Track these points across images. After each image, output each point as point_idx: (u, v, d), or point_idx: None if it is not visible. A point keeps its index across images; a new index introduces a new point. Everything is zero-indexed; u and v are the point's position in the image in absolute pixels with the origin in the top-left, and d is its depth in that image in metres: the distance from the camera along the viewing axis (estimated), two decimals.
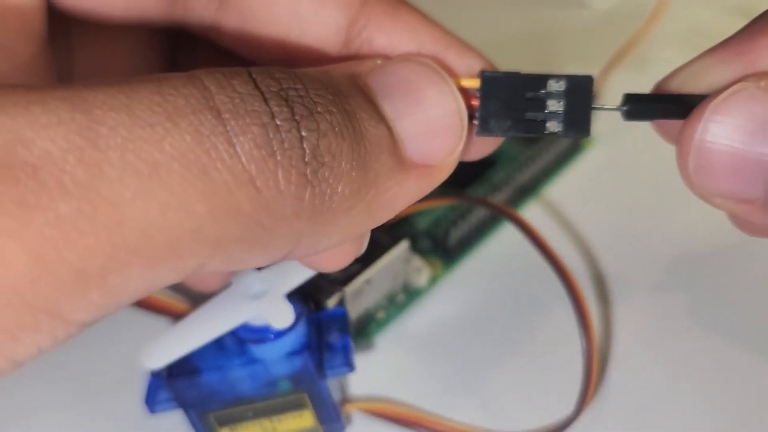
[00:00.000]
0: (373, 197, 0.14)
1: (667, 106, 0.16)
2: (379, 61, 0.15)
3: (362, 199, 0.13)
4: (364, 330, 0.24)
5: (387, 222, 0.25)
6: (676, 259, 0.26)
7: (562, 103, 0.15)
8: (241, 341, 0.18)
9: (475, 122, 0.15)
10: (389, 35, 0.15)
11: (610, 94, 0.32)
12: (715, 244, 0.27)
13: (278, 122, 0.12)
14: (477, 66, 0.16)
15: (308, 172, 0.12)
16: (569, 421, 0.21)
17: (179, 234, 0.11)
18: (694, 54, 0.16)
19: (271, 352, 0.18)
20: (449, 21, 0.40)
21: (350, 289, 0.22)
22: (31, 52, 0.15)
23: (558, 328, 0.24)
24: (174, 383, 0.18)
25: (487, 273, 0.26)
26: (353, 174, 0.13)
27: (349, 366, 0.19)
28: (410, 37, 0.15)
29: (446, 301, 0.25)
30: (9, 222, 0.10)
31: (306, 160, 0.12)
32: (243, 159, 0.11)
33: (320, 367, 0.19)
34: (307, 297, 0.21)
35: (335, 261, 0.16)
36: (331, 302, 0.21)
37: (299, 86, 0.12)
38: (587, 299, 0.23)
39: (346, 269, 0.22)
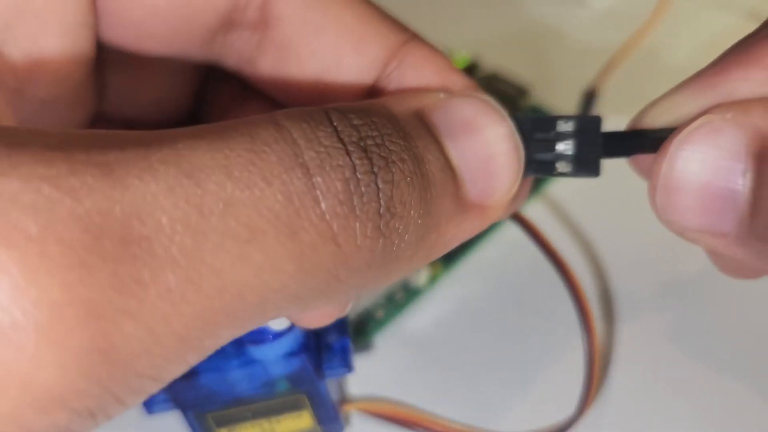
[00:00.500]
0: (434, 241, 0.14)
1: (639, 141, 0.16)
2: (441, 95, 0.15)
3: (425, 245, 0.14)
4: (363, 329, 0.24)
5: None
6: (680, 258, 0.26)
7: (571, 143, 0.15)
8: (239, 342, 0.18)
9: None
10: (420, 77, 0.16)
11: (610, 93, 0.32)
12: None
13: (359, 176, 0.12)
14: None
15: (382, 224, 0.12)
16: (570, 422, 0.21)
17: (268, 293, 0.11)
18: (696, 54, 0.16)
19: (269, 353, 0.18)
20: (449, 20, 0.41)
21: None
22: (81, 77, 0.16)
23: (559, 328, 0.24)
24: (172, 384, 0.18)
25: (487, 272, 0.26)
26: (419, 222, 0.13)
27: (348, 367, 0.19)
28: (438, 81, 0.16)
29: (446, 301, 0.25)
30: (129, 301, 0.10)
31: (381, 212, 0.12)
32: (327, 217, 0.12)
33: (319, 368, 0.19)
34: None
35: (319, 321, 0.17)
36: None
37: (375, 133, 0.13)
38: (589, 299, 0.23)
39: None
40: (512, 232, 0.27)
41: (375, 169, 0.12)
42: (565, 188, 0.29)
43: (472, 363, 0.23)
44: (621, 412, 0.22)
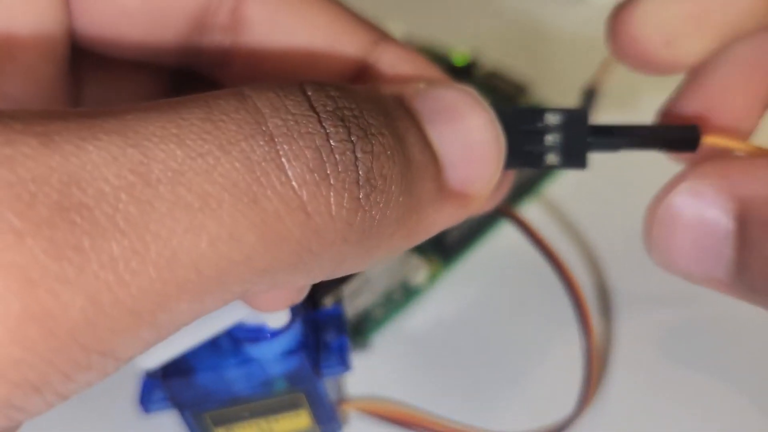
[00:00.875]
0: (415, 223, 0.13)
1: (626, 137, 0.17)
2: (422, 85, 0.15)
3: (405, 225, 0.13)
4: (361, 329, 0.24)
5: None
6: None
7: (558, 135, 0.16)
8: (236, 340, 0.18)
9: None
10: (397, 75, 0.16)
11: (610, 90, 0.32)
12: None
13: (333, 144, 0.11)
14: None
15: (361, 195, 0.12)
16: (568, 421, 0.21)
17: (228, 265, 0.11)
18: None
19: (266, 352, 0.18)
20: (449, 17, 0.41)
21: (348, 287, 0.22)
22: (53, 75, 0.15)
23: (557, 327, 0.24)
24: (169, 383, 0.18)
25: (485, 272, 0.26)
26: (401, 199, 0.13)
27: (346, 365, 0.19)
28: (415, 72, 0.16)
29: (445, 300, 0.25)
30: (66, 267, 0.09)
31: (360, 183, 0.12)
32: (294, 184, 0.11)
33: (316, 367, 0.19)
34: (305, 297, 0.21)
35: (272, 305, 0.16)
36: (328, 301, 0.21)
37: (353, 105, 0.12)
38: (587, 299, 0.22)
39: None
40: (510, 232, 0.27)
41: (353, 138, 0.12)
42: (561, 189, 0.29)
43: (470, 362, 0.23)
44: (619, 411, 0.22)
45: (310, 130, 0.11)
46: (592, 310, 0.23)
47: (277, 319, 0.18)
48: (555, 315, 0.24)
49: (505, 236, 0.27)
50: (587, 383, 0.21)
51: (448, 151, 0.14)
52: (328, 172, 0.11)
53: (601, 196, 0.29)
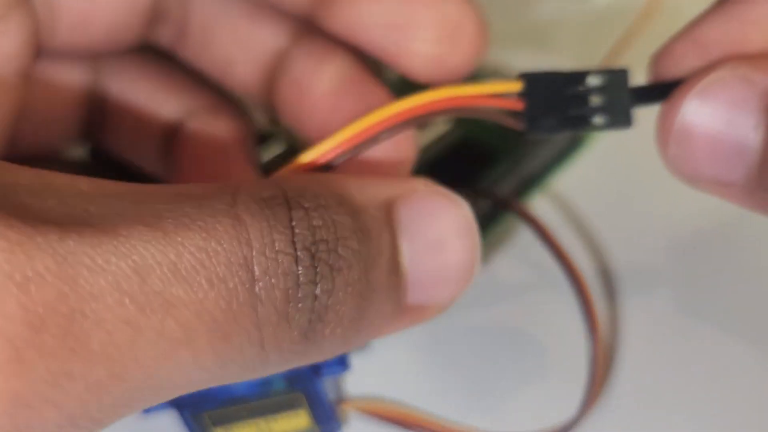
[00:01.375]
0: (364, 337, 0.14)
1: (667, 89, 0.16)
2: (421, 186, 0.15)
3: (352, 341, 0.14)
4: None
5: None
6: (689, 258, 0.26)
7: (602, 97, 0.16)
8: None
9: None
10: (314, 72, 0.17)
11: None
12: (726, 234, 0.27)
13: (300, 285, 0.12)
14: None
15: (308, 331, 0.13)
16: (571, 424, 0.21)
17: (185, 383, 0.12)
18: None
19: None
20: None
21: None
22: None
23: (561, 327, 0.24)
24: None
25: (487, 270, 0.26)
26: (350, 324, 0.13)
27: (345, 365, 0.19)
28: (330, 75, 0.17)
29: None
30: (56, 393, 0.10)
31: (311, 321, 0.12)
32: (260, 324, 0.12)
33: (315, 367, 0.19)
34: None
35: None
36: None
37: (331, 237, 0.13)
38: (592, 295, 0.22)
39: None
40: (510, 231, 0.27)
41: (317, 279, 0.12)
42: (565, 184, 0.29)
43: (470, 362, 0.23)
44: (623, 415, 0.22)
45: (285, 270, 0.12)
46: (598, 307, 0.22)
47: None
48: (558, 314, 0.24)
49: (504, 235, 0.27)
50: (592, 384, 0.21)
51: (419, 274, 0.14)
52: (289, 312, 0.12)
53: (606, 189, 0.29)
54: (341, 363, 0.19)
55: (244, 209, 0.12)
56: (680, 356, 0.23)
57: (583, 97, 0.16)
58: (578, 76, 0.16)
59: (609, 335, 0.24)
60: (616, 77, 0.16)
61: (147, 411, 0.19)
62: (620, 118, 0.16)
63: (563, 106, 0.15)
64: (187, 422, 0.19)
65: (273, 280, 0.12)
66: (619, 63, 0.33)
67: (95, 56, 0.19)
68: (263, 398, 0.19)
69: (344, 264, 0.13)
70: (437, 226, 0.14)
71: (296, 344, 0.13)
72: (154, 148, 0.20)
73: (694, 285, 0.25)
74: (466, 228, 0.14)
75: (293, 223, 0.12)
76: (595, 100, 0.16)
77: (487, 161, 0.29)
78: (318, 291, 0.12)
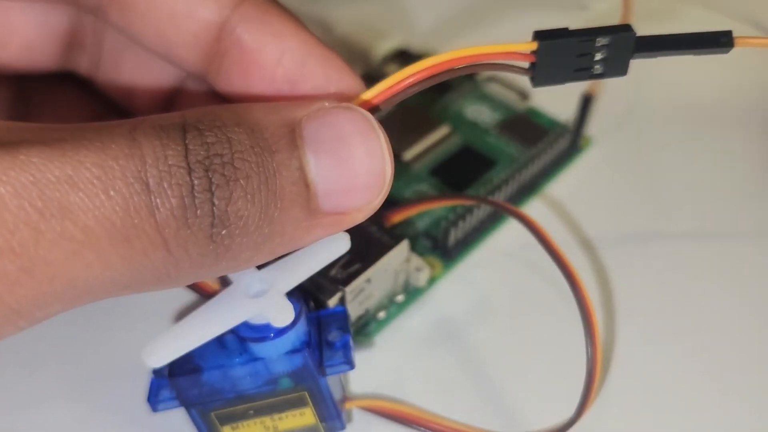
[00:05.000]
0: (278, 243, 0.15)
1: (666, 42, 0.17)
2: (326, 104, 0.15)
3: (267, 247, 0.15)
4: (364, 329, 0.24)
5: (386, 223, 0.25)
6: (682, 258, 0.27)
7: (606, 52, 0.17)
8: (241, 340, 0.18)
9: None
10: (257, 39, 0.17)
11: (607, 92, 0.32)
12: (718, 236, 0.27)
13: (196, 194, 0.13)
14: (336, 77, 0.17)
15: (213, 234, 0.14)
16: (571, 422, 0.21)
17: (98, 283, 0.13)
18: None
19: (271, 351, 0.18)
20: (448, 23, 0.41)
21: (350, 288, 0.22)
22: None
23: (559, 327, 0.24)
24: (175, 382, 0.18)
25: (486, 273, 0.27)
26: (258, 231, 0.14)
27: (349, 364, 0.19)
28: (276, 43, 0.17)
29: (446, 301, 0.26)
30: None
31: (213, 224, 0.14)
32: (160, 227, 0.13)
33: (320, 365, 0.19)
34: (308, 296, 0.21)
35: None
36: (332, 302, 0.21)
37: (226, 151, 0.14)
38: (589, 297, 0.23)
39: (346, 269, 0.22)
40: (510, 234, 0.28)
41: (213, 188, 0.13)
42: (561, 190, 0.30)
43: (471, 362, 0.24)
44: (621, 414, 0.22)
45: (179, 180, 0.13)
46: (594, 306, 0.23)
47: (282, 318, 0.18)
48: (556, 315, 0.25)
49: (504, 238, 0.28)
50: (589, 384, 0.21)
51: (326, 182, 0.15)
52: (188, 218, 0.13)
53: (602, 195, 0.29)
54: (346, 362, 0.19)
55: (141, 133, 0.13)
56: (675, 357, 0.24)
57: (590, 53, 0.17)
58: (589, 38, 0.17)
59: (605, 336, 0.24)
60: (622, 36, 0.17)
61: (156, 409, 0.19)
62: (618, 69, 0.17)
63: (571, 62, 0.17)
64: (195, 420, 0.20)
65: (168, 190, 0.13)
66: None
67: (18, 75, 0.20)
68: (269, 396, 0.19)
69: (241, 175, 0.14)
70: (339, 135, 0.15)
71: (202, 247, 0.14)
72: None
73: (691, 287, 0.26)
74: (368, 132, 0.15)
75: (186, 141, 0.13)
76: (600, 55, 0.17)
77: (486, 167, 0.29)
78: (215, 199, 0.13)
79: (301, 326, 0.19)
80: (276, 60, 0.17)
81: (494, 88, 0.33)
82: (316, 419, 0.20)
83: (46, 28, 0.19)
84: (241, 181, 0.14)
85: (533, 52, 0.16)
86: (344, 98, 0.16)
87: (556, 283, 0.25)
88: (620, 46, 0.17)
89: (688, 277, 0.26)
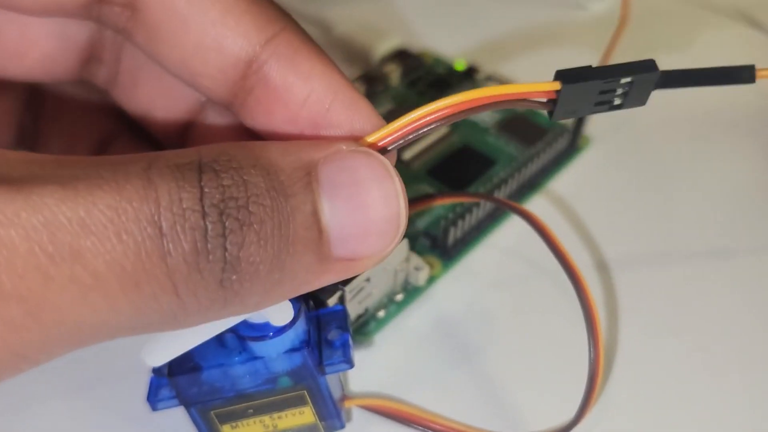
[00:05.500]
0: (288, 289, 0.15)
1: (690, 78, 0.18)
2: (344, 147, 0.15)
3: (276, 292, 0.14)
4: (363, 328, 0.24)
5: None
6: (686, 258, 0.27)
7: (628, 87, 0.17)
8: (241, 338, 0.18)
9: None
10: (284, 79, 0.16)
11: None
12: (720, 235, 0.27)
13: (209, 239, 0.13)
14: (361, 122, 0.16)
15: (223, 279, 0.13)
16: (572, 423, 0.21)
17: (104, 326, 0.13)
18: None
19: (271, 349, 0.18)
20: (447, 24, 0.41)
21: (350, 287, 0.22)
22: None
23: (560, 326, 0.24)
24: (175, 381, 0.18)
25: (485, 272, 0.27)
26: (269, 276, 0.14)
27: (349, 363, 0.19)
28: (303, 83, 0.16)
29: (445, 300, 0.26)
30: None
31: (224, 270, 0.13)
32: (171, 272, 0.13)
33: (320, 364, 0.19)
34: (307, 296, 0.21)
35: None
36: (331, 301, 0.21)
37: (241, 194, 0.13)
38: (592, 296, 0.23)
39: None
40: (509, 234, 0.28)
41: (226, 233, 0.13)
42: (561, 188, 0.30)
43: (471, 362, 0.24)
44: (623, 416, 0.22)
45: (193, 225, 0.13)
46: (597, 306, 0.23)
47: (281, 317, 0.18)
48: (557, 314, 0.25)
49: (503, 237, 0.28)
50: (591, 385, 0.21)
51: (340, 228, 0.14)
52: (200, 264, 0.13)
53: (602, 193, 0.29)
54: (345, 361, 0.19)
55: (156, 173, 0.13)
56: (680, 357, 0.24)
57: (612, 91, 0.17)
58: (614, 79, 0.16)
59: (609, 337, 0.24)
60: (646, 75, 0.16)
61: (156, 408, 0.19)
62: (638, 100, 0.17)
63: (591, 98, 0.16)
64: (195, 419, 0.20)
65: (180, 234, 0.13)
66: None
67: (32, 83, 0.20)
68: (269, 395, 0.19)
69: (255, 219, 0.13)
70: (355, 180, 0.15)
71: (212, 292, 0.13)
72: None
73: (694, 286, 0.26)
74: (384, 179, 0.15)
75: (202, 183, 0.13)
76: (621, 90, 0.17)
77: (485, 166, 0.29)
78: (228, 244, 0.13)
79: (301, 325, 0.19)
80: (301, 101, 0.16)
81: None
82: (316, 418, 0.20)
83: (66, 42, 0.19)
84: (255, 226, 0.13)
85: (555, 92, 0.16)
86: (366, 142, 0.16)
87: (556, 282, 0.25)
88: (643, 82, 0.17)
89: (692, 277, 0.26)
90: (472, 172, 0.29)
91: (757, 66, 0.18)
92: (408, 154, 0.29)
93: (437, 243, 0.26)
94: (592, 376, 0.21)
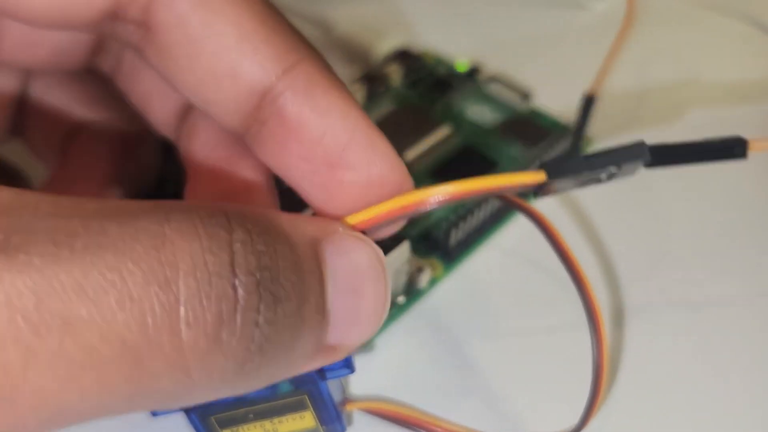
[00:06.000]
0: (282, 374, 0.14)
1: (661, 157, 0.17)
2: (340, 229, 0.14)
3: (272, 377, 0.13)
4: None
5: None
6: (693, 264, 0.27)
7: (615, 171, 0.16)
8: None
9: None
10: (300, 113, 0.15)
11: (609, 93, 0.32)
12: (728, 236, 0.27)
13: (239, 309, 0.11)
14: (379, 164, 0.16)
15: (245, 361, 0.12)
16: (575, 430, 0.21)
17: (92, 409, 0.11)
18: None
19: None
20: (449, 24, 0.41)
21: None
22: None
23: (564, 330, 0.24)
24: None
25: (487, 274, 0.26)
26: (281, 359, 0.13)
27: (350, 368, 0.19)
28: (320, 119, 0.15)
29: (447, 303, 0.25)
30: None
31: (251, 350, 0.12)
32: (185, 348, 0.11)
33: (320, 369, 0.19)
34: None
35: None
36: None
37: (274, 264, 0.12)
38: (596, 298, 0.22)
39: None
40: (511, 236, 0.28)
41: (261, 306, 0.12)
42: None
43: (473, 365, 0.24)
44: (628, 422, 0.22)
45: (219, 293, 0.11)
46: (601, 306, 0.22)
47: None
48: (561, 317, 0.25)
49: (505, 239, 0.27)
50: (595, 390, 0.20)
51: (340, 317, 0.14)
52: (224, 338, 0.11)
53: (604, 195, 0.29)
54: (346, 366, 0.19)
55: (175, 228, 0.11)
56: (687, 361, 0.23)
57: (598, 177, 0.16)
58: (601, 169, 0.16)
59: (613, 340, 0.24)
60: (633, 162, 0.16)
61: (156, 414, 0.19)
62: (627, 175, 0.17)
63: (577, 182, 0.16)
64: (195, 424, 0.19)
65: (204, 303, 0.11)
66: (616, 74, 0.33)
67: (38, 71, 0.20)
68: (269, 400, 0.19)
69: (284, 295, 0.12)
70: (355, 269, 0.14)
71: (230, 373, 0.12)
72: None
73: (701, 294, 0.26)
74: (379, 271, 0.15)
75: (234, 246, 0.11)
76: (607, 174, 0.16)
77: (487, 168, 0.29)
78: (261, 320, 0.12)
79: None
80: (317, 139, 0.15)
81: (496, 89, 0.32)
82: (317, 422, 0.20)
83: (78, 35, 0.18)
84: (284, 303, 0.12)
85: (540, 182, 0.16)
86: (387, 189, 0.15)
87: (560, 284, 0.25)
88: (631, 166, 0.16)
89: (700, 279, 0.26)
90: (474, 173, 0.29)
91: (749, 138, 0.18)
92: (410, 156, 0.29)
93: (439, 245, 0.26)
94: (596, 381, 0.20)
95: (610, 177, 0.16)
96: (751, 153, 0.17)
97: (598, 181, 0.17)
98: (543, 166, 0.16)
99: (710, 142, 0.17)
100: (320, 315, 0.13)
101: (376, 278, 0.15)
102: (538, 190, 0.16)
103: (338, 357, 0.15)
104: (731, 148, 0.17)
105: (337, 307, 0.14)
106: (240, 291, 0.11)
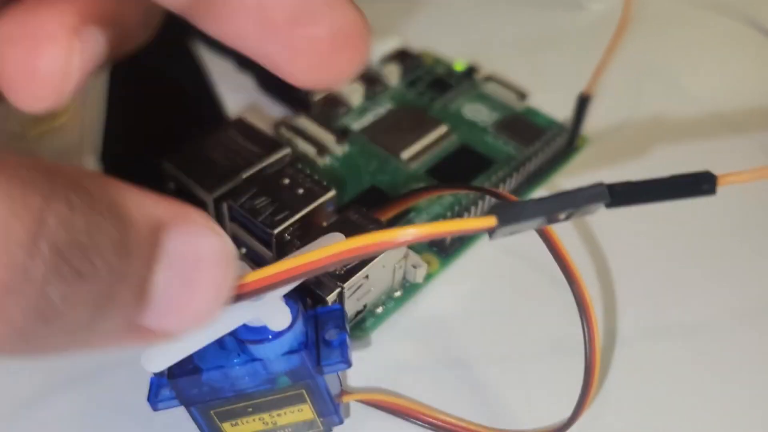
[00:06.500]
0: (87, 347, 0.13)
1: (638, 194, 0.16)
2: (197, 218, 0.14)
3: (73, 349, 0.13)
4: (361, 324, 0.25)
5: (385, 219, 0.25)
6: (686, 261, 0.27)
7: (573, 212, 0.16)
8: (240, 342, 0.19)
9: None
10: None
11: (605, 96, 0.33)
12: (717, 232, 0.28)
13: (29, 279, 0.11)
14: (339, 13, 0.14)
15: (25, 330, 0.11)
16: (568, 423, 0.21)
17: None
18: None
19: (269, 352, 0.19)
20: (447, 24, 0.41)
21: (348, 284, 0.22)
22: None
23: (557, 324, 0.25)
24: (175, 383, 0.19)
25: (482, 270, 0.27)
26: (77, 333, 0.12)
27: (347, 362, 0.19)
28: None
29: (443, 297, 0.26)
30: None
31: (35, 321, 0.11)
32: None
33: (318, 364, 0.19)
34: (306, 293, 0.21)
35: None
36: (330, 298, 0.22)
37: (91, 244, 0.12)
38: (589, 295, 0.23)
39: (345, 265, 0.22)
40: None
41: (56, 281, 0.11)
42: (561, 187, 0.30)
43: (468, 358, 0.24)
44: (620, 414, 0.22)
45: (11, 261, 0.11)
46: (594, 305, 0.23)
47: (279, 322, 0.19)
48: (554, 312, 0.25)
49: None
50: (587, 383, 0.21)
51: (164, 302, 0.13)
52: (6, 305, 0.11)
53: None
54: (343, 361, 0.19)
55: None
56: (678, 355, 0.24)
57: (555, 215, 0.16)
58: (555, 213, 0.15)
59: (606, 334, 0.24)
60: (591, 205, 0.15)
61: (156, 408, 0.19)
62: (587, 213, 0.16)
63: (533, 223, 0.15)
64: (196, 418, 0.20)
65: None
66: (611, 73, 0.33)
67: None
68: (268, 394, 0.20)
69: (91, 272, 0.12)
70: (195, 258, 0.13)
71: (7, 340, 0.11)
72: None
73: (694, 289, 0.26)
74: (222, 263, 0.14)
75: (47, 216, 0.11)
76: (565, 215, 0.16)
77: (483, 166, 0.29)
78: (54, 293, 0.11)
79: (299, 327, 0.19)
80: None
81: (492, 88, 0.33)
82: (315, 415, 0.21)
83: None
84: (89, 280, 0.12)
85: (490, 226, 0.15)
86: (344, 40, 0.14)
87: (554, 280, 0.25)
88: (591, 207, 0.16)
89: (692, 275, 0.26)
90: (470, 171, 0.29)
91: (718, 173, 0.17)
92: (406, 154, 0.30)
93: (435, 241, 0.27)
94: (588, 374, 0.21)
95: (569, 217, 0.16)
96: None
97: (557, 220, 0.16)
98: (493, 211, 0.15)
99: (676, 178, 0.16)
100: (138, 297, 0.13)
101: (216, 270, 0.14)
102: (491, 234, 0.16)
103: (158, 339, 0.14)
104: (699, 185, 0.16)
105: (163, 291, 0.13)
106: (37, 262, 0.11)
